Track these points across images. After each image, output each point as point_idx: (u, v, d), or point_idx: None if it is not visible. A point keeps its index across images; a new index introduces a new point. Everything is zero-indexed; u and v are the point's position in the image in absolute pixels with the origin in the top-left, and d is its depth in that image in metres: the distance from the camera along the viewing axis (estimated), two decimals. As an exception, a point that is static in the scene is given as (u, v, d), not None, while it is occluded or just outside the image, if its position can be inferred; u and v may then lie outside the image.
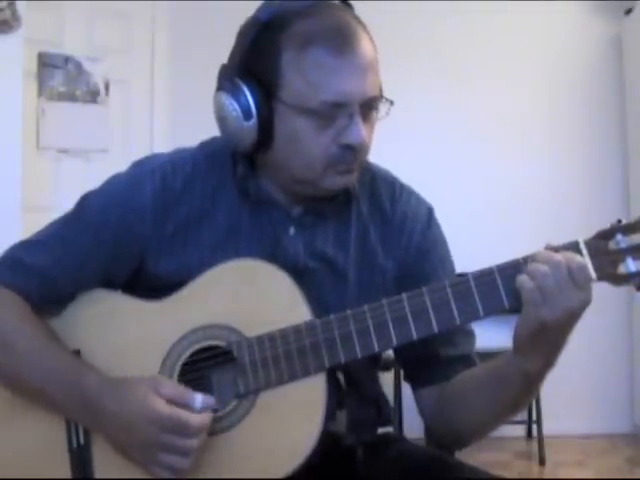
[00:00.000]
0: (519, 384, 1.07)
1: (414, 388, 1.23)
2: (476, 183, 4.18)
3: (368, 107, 1.11)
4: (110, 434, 1.09)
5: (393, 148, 3.87)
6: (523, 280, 1.00)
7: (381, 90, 1.13)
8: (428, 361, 1.19)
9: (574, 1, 4.32)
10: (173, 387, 1.06)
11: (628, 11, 4.20)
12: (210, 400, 1.05)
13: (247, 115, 1.10)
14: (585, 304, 0.99)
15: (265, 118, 1.10)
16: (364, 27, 1.12)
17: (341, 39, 1.07)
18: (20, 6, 3.06)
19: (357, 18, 1.13)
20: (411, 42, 4.19)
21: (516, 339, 1.04)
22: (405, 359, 1.23)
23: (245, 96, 1.10)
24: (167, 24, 4.07)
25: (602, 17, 4.32)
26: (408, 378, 1.25)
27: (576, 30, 4.34)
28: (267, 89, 1.10)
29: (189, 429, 1.02)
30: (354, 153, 1.11)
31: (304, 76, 1.07)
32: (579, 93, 4.31)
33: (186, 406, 1.03)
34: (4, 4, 2.99)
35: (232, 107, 1.11)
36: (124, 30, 3.95)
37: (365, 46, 1.10)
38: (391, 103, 1.13)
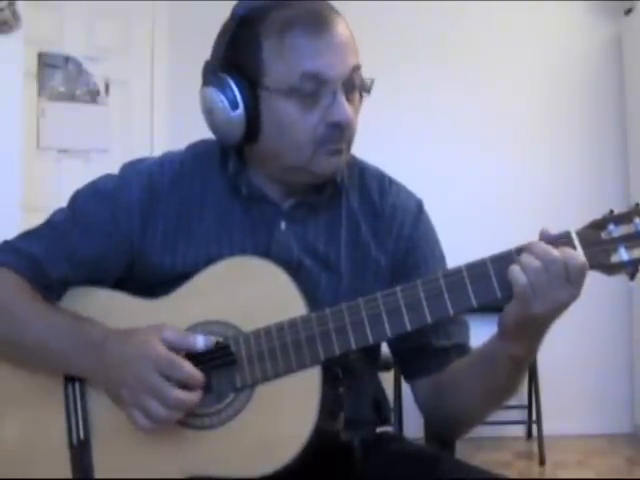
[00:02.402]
0: (507, 366, 1.08)
1: (410, 380, 1.24)
2: (475, 183, 4.18)
3: (351, 86, 1.13)
4: (107, 374, 1.09)
5: (391, 149, 3.88)
6: (517, 275, 1.00)
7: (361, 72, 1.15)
8: (422, 352, 1.20)
9: (574, 1, 4.32)
10: (175, 331, 1.09)
11: (628, 11, 4.20)
12: (211, 340, 1.08)
13: (234, 105, 1.12)
14: (574, 297, 1.00)
15: (251, 106, 1.12)
16: (339, 13, 1.15)
17: (317, 21, 1.11)
18: (20, 6, 3.07)
19: (332, 6, 1.16)
20: (411, 42, 4.19)
21: (502, 326, 1.05)
22: (400, 351, 1.23)
23: (230, 87, 1.13)
24: (167, 24, 4.07)
25: (602, 17, 4.32)
26: (403, 370, 1.26)
27: (576, 30, 4.34)
28: (251, 78, 1.12)
29: (181, 372, 1.04)
30: (341, 131, 1.13)
31: (284, 59, 1.10)
32: (579, 93, 4.31)
33: (189, 349, 1.07)
34: (4, 4, 3.00)
35: (218, 99, 1.13)
36: (124, 30, 3.95)
37: (341, 27, 1.13)
38: (371, 82, 1.15)
